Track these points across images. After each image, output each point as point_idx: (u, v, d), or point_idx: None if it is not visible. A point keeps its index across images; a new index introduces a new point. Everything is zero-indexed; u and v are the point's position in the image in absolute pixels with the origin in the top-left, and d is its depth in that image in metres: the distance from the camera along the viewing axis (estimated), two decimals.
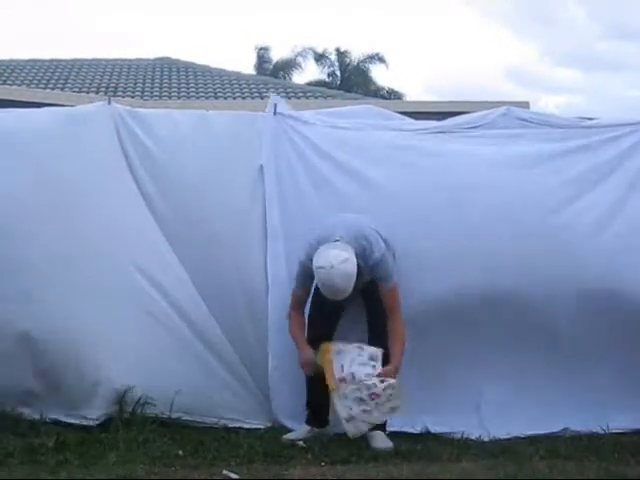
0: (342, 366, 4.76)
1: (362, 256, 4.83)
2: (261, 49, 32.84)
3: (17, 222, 5.09)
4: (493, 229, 5.23)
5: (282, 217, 5.38)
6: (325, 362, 4.78)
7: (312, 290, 5.00)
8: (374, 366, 4.77)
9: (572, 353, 5.23)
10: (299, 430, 5.02)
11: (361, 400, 4.69)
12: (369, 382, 4.71)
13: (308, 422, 5.06)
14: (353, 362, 4.79)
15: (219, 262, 5.35)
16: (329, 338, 4.95)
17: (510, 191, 5.33)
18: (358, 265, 4.77)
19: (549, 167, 5.42)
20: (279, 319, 5.13)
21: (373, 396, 4.69)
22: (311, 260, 4.81)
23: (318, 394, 4.97)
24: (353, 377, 4.74)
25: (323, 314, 5.01)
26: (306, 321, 5.06)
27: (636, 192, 5.40)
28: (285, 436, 4.97)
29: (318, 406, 5.03)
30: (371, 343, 4.91)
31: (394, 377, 4.77)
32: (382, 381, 4.70)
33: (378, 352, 4.82)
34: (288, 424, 5.12)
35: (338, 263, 4.68)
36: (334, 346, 4.82)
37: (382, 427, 4.94)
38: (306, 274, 4.94)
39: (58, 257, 5.10)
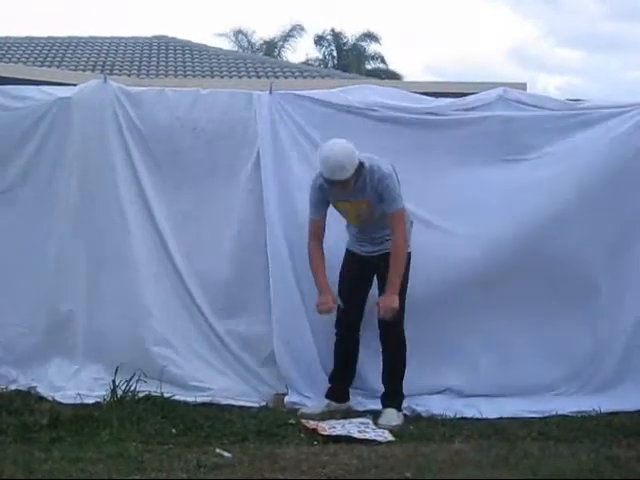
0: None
1: (369, 170, 4.81)
2: (238, 32, 32.06)
3: None
4: None
5: (279, 197, 5.38)
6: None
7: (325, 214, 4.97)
8: (366, 423, 4.76)
9: None
10: (316, 404, 5.04)
11: (344, 427, 4.67)
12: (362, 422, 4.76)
13: (328, 396, 5.08)
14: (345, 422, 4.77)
15: (217, 243, 5.42)
16: (360, 312, 5.02)
17: None
18: (365, 175, 4.79)
19: None
20: (281, 293, 5.25)
21: (361, 431, 4.65)
22: (319, 178, 4.85)
23: (343, 369, 5.06)
24: (343, 426, 4.71)
25: (351, 283, 5.03)
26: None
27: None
28: (301, 410, 4.98)
29: (341, 380, 5.08)
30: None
31: (394, 304, 4.73)
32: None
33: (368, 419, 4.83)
34: (303, 400, 5.14)
35: (340, 142, 4.77)
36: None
37: (397, 405, 4.95)
38: (317, 196, 4.92)
39: None
